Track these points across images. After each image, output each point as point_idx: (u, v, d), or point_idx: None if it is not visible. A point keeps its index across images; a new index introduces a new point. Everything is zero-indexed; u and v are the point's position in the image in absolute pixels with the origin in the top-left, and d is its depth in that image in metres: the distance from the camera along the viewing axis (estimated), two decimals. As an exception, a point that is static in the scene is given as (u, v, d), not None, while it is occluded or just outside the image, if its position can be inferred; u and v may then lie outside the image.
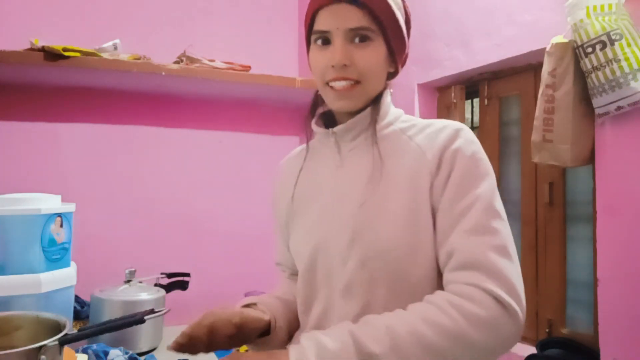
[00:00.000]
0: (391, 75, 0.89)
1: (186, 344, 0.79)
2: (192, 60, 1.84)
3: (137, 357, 1.33)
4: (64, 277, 1.34)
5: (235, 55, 1.99)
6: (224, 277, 2.02)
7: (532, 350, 1.46)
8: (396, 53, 0.86)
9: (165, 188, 2.03)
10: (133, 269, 1.59)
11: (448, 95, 1.82)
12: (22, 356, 0.73)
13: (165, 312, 0.82)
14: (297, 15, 2.26)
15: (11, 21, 1.80)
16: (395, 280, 0.77)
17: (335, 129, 0.87)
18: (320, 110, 0.93)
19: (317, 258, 0.85)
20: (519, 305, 0.71)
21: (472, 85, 1.79)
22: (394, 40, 0.84)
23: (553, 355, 1.39)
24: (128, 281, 1.56)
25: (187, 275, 1.77)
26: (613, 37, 1.13)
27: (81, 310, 1.63)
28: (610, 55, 1.14)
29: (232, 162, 2.15)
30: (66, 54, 1.60)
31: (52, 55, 1.59)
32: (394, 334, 0.67)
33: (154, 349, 1.52)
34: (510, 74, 1.64)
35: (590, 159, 1.28)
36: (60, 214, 1.35)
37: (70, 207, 1.40)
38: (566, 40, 1.23)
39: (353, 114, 0.86)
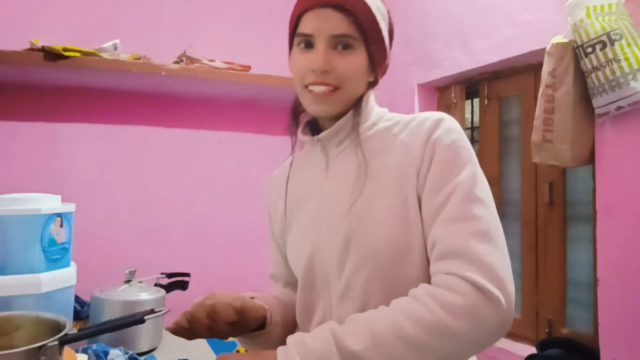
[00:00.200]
0: (370, 85, 0.88)
1: (185, 327, 0.79)
2: (192, 60, 1.84)
3: (137, 357, 1.33)
4: (64, 277, 1.34)
5: (235, 55, 1.99)
6: (224, 277, 2.02)
7: (532, 350, 1.46)
8: (377, 63, 0.85)
9: (165, 188, 2.03)
10: (133, 269, 1.59)
11: (448, 95, 1.82)
12: (22, 356, 0.73)
13: (165, 312, 0.82)
14: (297, 15, 2.25)
15: (11, 21, 1.80)
16: (391, 279, 0.77)
17: (321, 135, 0.87)
18: (301, 116, 0.93)
19: (314, 266, 0.85)
20: (501, 291, 0.68)
21: (472, 85, 1.79)
22: (375, 50, 0.84)
23: (553, 355, 1.39)
24: (128, 281, 1.56)
25: (187, 275, 1.77)
26: (613, 37, 1.13)
27: (81, 310, 1.63)
28: (610, 55, 1.14)
29: (232, 162, 2.15)
30: (66, 54, 1.60)
31: (52, 55, 1.59)
32: (374, 331, 0.67)
33: (154, 349, 1.52)
34: (510, 74, 1.64)
35: (590, 159, 1.28)
36: (60, 214, 1.35)
37: (70, 207, 1.40)
38: (566, 40, 1.23)
39: (335, 118, 0.86)
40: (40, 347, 0.74)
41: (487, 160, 1.74)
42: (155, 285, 1.68)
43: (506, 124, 1.71)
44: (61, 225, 1.35)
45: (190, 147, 2.09)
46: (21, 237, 1.28)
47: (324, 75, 0.80)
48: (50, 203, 1.34)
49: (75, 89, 1.89)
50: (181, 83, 1.86)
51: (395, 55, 1.96)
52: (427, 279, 0.76)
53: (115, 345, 1.36)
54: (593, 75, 1.18)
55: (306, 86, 0.83)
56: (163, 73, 1.73)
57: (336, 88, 0.82)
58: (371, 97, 0.89)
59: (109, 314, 1.43)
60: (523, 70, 1.59)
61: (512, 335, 1.60)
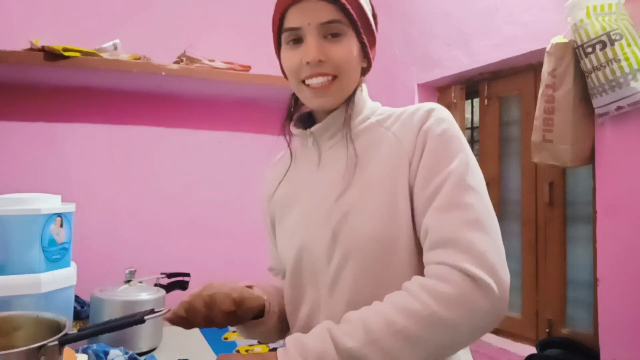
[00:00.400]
0: (364, 71, 0.88)
1: (184, 316, 0.80)
2: (192, 60, 1.84)
3: (137, 357, 1.33)
4: (64, 277, 1.34)
5: (235, 55, 1.99)
6: (224, 277, 2.01)
7: (532, 350, 1.46)
8: (368, 46, 0.85)
9: (165, 188, 2.03)
10: (133, 269, 1.59)
11: (448, 95, 1.82)
12: (22, 356, 0.73)
13: (165, 312, 0.82)
14: (297, 15, 2.25)
15: (11, 21, 1.80)
16: (379, 270, 0.77)
17: (313, 128, 0.87)
18: (297, 113, 0.93)
19: (302, 259, 0.85)
20: (493, 278, 0.67)
21: (472, 85, 1.79)
22: (365, 34, 0.84)
23: (553, 355, 1.39)
24: (128, 281, 1.56)
25: (187, 275, 1.77)
26: (613, 37, 1.13)
27: (81, 310, 1.63)
28: (610, 55, 1.14)
29: (232, 162, 2.15)
30: (66, 54, 1.60)
31: (52, 55, 1.59)
32: (368, 327, 0.67)
33: (154, 349, 1.52)
34: (510, 74, 1.64)
35: (590, 159, 1.28)
36: (60, 214, 1.35)
37: (70, 207, 1.40)
38: (566, 40, 1.23)
39: (330, 111, 0.86)
40: (40, 347, 0.74)
41: (487, 160, 1.74)
42: (155, 285, 1.68)
43: (506, 124, 1.71)
44: (61, 225, 1.35)
45: (190, 147, 2.09)
46: (21, 237, 1.28)
47: (320, 65, 0.80)
48: (50, 203, 1.34)
49: (75, 89, 1.89)
50: (181, 83, 1.86)
51: (395, 55, 1.97)
52: (416, 270, 0.76)
53: (115, 345, 1.36)
54: (593, 75, 1.18)
55: (303, 81, 0.83)
56: (163, 73, 1.73)
57: (334, 77, 0.82)
58: (364, 91, 0.89)
59: (109, 314, 1.43)
60: (523, 70, 1.59)
61: (512, 335, 1.60)
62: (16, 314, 0.91)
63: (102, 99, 1.95)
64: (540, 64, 1.30)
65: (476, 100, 1.83)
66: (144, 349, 1.49)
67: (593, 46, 1.16)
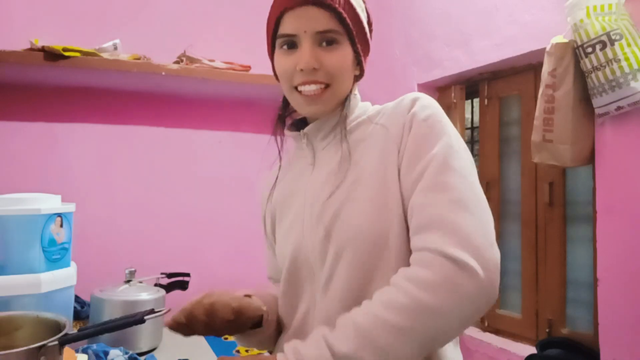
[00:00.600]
0: (357, 78, 0.89)
1: (184, 323, 0.80)
2: (192, 60, 1.84)
3: (137, 357, 1.33)
4: (64, 277, 1.34)
5: (235, 55, 1.99)
6: (224, 277, 2.02)
7: (532, 350, 1.46)
8: (362, 55, 0.86)
9: (165, 188, 2.03)
10: (133, 269, 1.59)
11: (448, 95, 1.82)
12: (22, 356, 0.73)
13: (165, 312, 0.82)
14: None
15: (11, 21, 1.80)
16: (372, 267, 0.77)
17: (306, 129, 0.88)
18: (288, 116, 0.95)
19: (298, 259, 0.86)
20: (478, 260, 0.66)
21: (472, 85, 1.79)
22: (359, 42, 0.84)
23: (553, 355, 1.39)
24: (128, 281, 1.56)
25: (187, 275, 1.77)
26: (613, 37, 1.13)
27: (81, 310, 1.63)
28: (610, 55, 1.14)
29: (231, 162, 2.15)
30: (66, 54, 1.60)
31: (52, 55, 1.59)
32: (360, 328, 0.67)
33: (154, 349, 1.52)
34: (510, 74, 1.64)
35: (590, 159, 1.28)
36: (60, 214, 1.35)
37: (70, 207, 1.40)
38: (566, 40, 1.23)
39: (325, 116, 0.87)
40: (40, 347, 0.74)
41: (487, 160, 1.74)
42: (155, 285, 1.68)
43: (506, 124, 1.71)
44: (61, 225, 1.35)
45: (190, 147, 2.09)
46: (21, 237, 1.28)
47: (313, 73, 0.80)
48: (50, 203, 1.34)
49: (75, 89, 1.89)
50: (181, 83, 1.86)
51: (395, 55, 1.97)
52: (405, 262, 0.75)
53: (115, 345, 1.36)
54: (593, 75, 1.18)
55: (295, 87, 0.83)
56: (163, 73, 1.73)
57: (327, 86, 0.82)
58: (357, 96, 0.89)
59: (109, 314, 1.43)
60: (523, 70, 1.59)
61: (512, 335, 1.60)
62: (16, 314, 0.91)
63: (102, 99, 1.95)
64: (540, 64, 1.30)
65: (476, 100, 1.83)
66: (144, 349, 1.49)
67: (593, 46, 1.16)
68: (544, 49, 1.27)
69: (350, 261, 0.78)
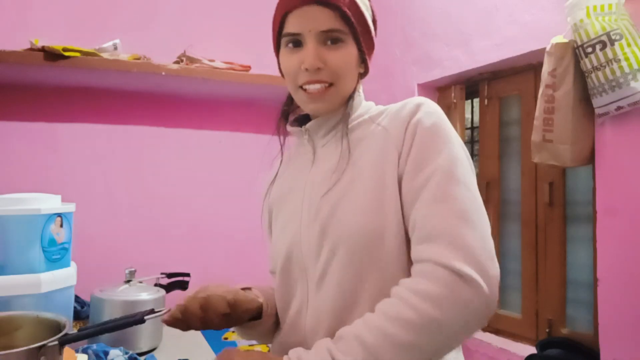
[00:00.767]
0: (361, 76, 0.89)
1: (179, 318, 0.80)
2: (192, 60, 1.84)
3: (137, 357, 1.34)
4: (64, 277, 1.34)
5: (235, 55, 1.99)
6: (224, 277, 2.00)
7: (532, 350, 1.46)
8: (366, 53, 0.86)
9: (165, 188, 2.03)
10: (133, 269, 1.59)
11: (448, 95, 1.82)
12: (22, 356, 0.73)
13: (165, 312, 0.82)
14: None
15: (11, 21, 1.80)
16: (366, 265, 0.77)
17: (308, 125, 0.88)
18: (293, 114, 0.94)
19: (292, 255, 0.86)
20: (479, 273, 0.66)
21: (472, 85, 1.79)
22: (364, 41, 0.84)
23: (553, 355, 1.39)
24: (128, 281, 1.56)
25: (187, 275, 1.77)
26: (613, 37, 1.13)
27: (81, 310, 1.64)
28: (610, 55, 1.14)
29: (232, 162, 2.15)
30: (66, 54, 1.60)
31: (52, 55, 1.59)
32: (364, 342, 0.67)
33: (154, 349, 1.52)
34: (510, 74, 1.64)
35: (590, 159, 1.28)
36: (60, 214, 1.35)
37: (70, 207, 1.40)
38: (566, 40, 1.23)
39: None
40: (40, 347, 0.74)
41: (487, 160, 1.74)
42: (155, 285, 1.68)
43: (506, 124, 1.71)
44: (61, 225, 1.35)
45: (190, 147, 2.09)
46: (21, 237, 1.28)
47: (317, 72, 0.81)
48: (50, 203, 1.35)
49: (75, 89, 1.89)
50: (181, 83, 1.86)
51: (395, 55, 1.97)
52: (403, 264, 0.75)
53: (115, 345, 1.36)
54: (593, 75, 1.18)
55: (300, 86, 0.83)
56: (163, 73, 1.73)
57: (330, 84, 0.82)
58: (361, 94, 0.89)
59: (109, 314, 1.44)
60: (523, 70, 1.59)
61: (512, 335, 1.60)
62: (16, 314, 0.91)
63: (102, 99, 1.95)
64: (540, 64, 1.30)
65: (476, 100, 1.83)
66: (144, 349, 1.49)
67: (593, 46, 1.16)
68: (544, 49, 1.27)
69: (344, 259, 0.78)
